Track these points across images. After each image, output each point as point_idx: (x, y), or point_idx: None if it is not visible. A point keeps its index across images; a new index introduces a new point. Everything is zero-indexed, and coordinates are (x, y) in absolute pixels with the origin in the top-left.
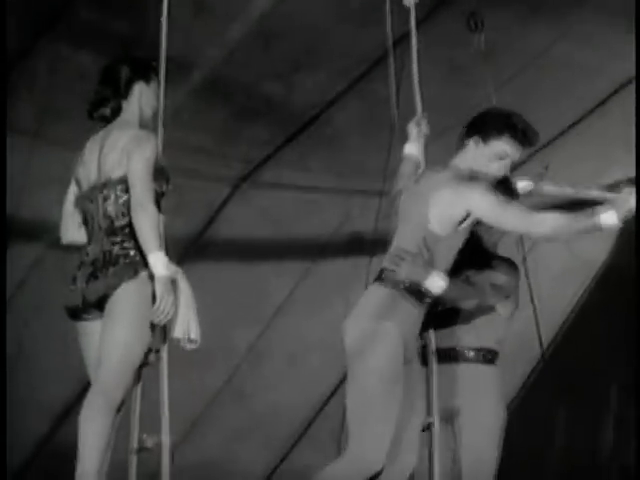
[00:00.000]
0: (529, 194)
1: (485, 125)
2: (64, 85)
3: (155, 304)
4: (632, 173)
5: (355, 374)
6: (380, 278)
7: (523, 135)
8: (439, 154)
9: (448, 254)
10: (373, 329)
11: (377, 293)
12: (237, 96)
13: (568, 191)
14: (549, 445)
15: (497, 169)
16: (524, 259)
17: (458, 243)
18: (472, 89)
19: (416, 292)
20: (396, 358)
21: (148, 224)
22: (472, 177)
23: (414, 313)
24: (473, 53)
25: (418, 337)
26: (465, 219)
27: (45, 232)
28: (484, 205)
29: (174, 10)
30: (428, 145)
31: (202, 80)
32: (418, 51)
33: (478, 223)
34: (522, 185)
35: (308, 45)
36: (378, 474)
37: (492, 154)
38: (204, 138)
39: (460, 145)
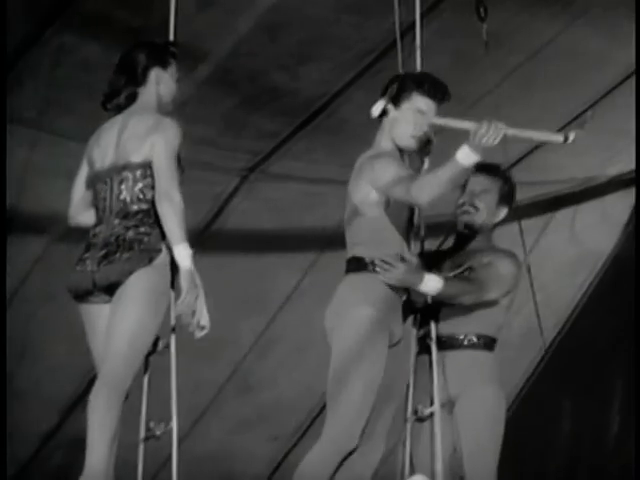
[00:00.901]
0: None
1: (394, 91)
2: (68, 76)
3: (181, 297)
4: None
5: (337, 359)
6: (361, 268)
7: (431, 87)
8: (443, 146)
9: (397, 225)
10: (356, 317)
11: (355, 281)
12: (244, 88)
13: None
14: (554, 436)
15: (417, 128)
16: (525, 254)
17: (401, 207)
18: (478, 79)
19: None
20: (379, 345)
21: (173, 214)
22: (375, 156)
23: (395, 298)
24: (479, 43)
25: (402, 319)
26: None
27: (50, 225)
28: (378, 181)
29: (181, 1)
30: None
31: (209, 72)
32: (422, 41)
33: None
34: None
35: (315, 36)
36: (352, 452)
37: (407, 114)
38: (211, 129)
39: (379, 119)
